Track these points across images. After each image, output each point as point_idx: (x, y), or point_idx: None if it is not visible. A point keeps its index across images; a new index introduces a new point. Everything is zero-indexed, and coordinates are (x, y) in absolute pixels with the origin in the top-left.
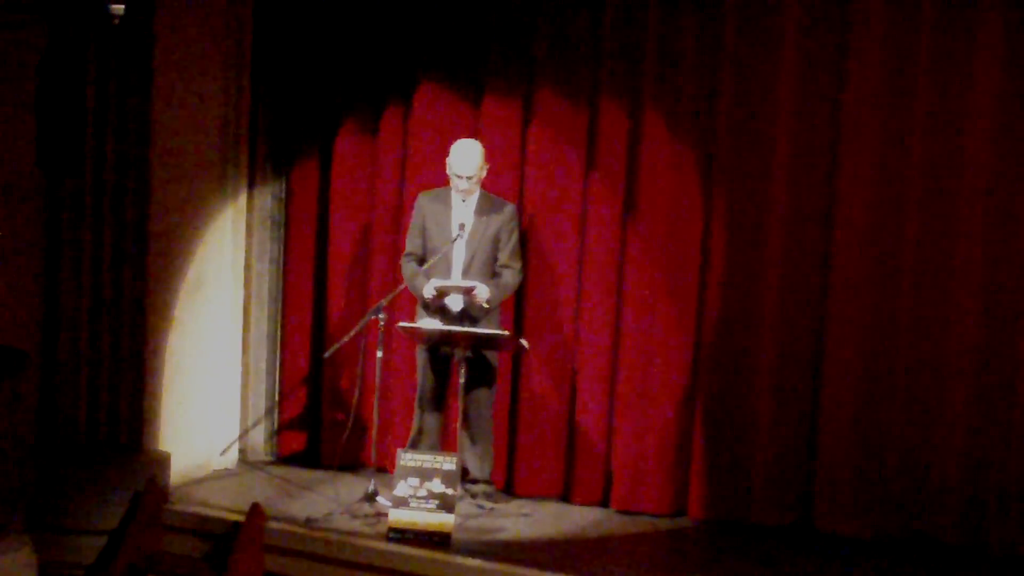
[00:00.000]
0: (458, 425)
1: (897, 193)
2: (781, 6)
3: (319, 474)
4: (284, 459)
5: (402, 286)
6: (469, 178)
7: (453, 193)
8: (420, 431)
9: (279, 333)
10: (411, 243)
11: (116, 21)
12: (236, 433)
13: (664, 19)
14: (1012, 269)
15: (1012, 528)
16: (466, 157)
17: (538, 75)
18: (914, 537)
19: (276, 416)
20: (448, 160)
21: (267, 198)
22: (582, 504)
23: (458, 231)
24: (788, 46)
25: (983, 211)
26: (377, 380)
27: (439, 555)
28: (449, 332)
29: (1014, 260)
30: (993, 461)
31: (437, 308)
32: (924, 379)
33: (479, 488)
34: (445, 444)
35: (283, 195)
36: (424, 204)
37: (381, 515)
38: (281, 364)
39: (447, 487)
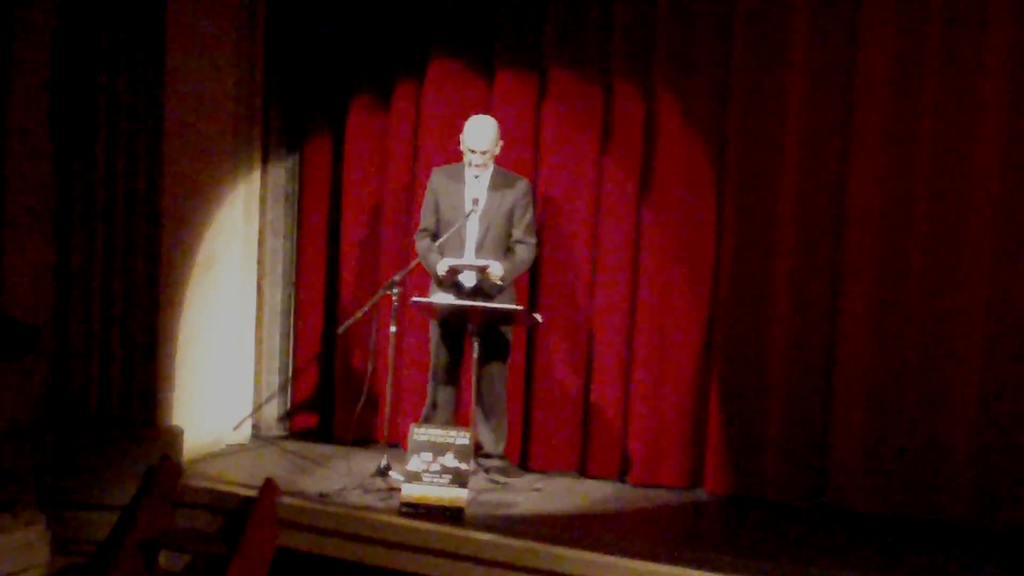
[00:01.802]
0: (472, 400)
1: (909, 167)
2: None
3: (332, 449)
4: (297, 434)
5: (415, 261)
6: (483, 153)
7: (466, 169)
8: (434, 406)
9: (293, 308)
10: (425, 219)
11: None
12: (249, 408)
13: None
14: (1020, 255)
15: (1022, 505)
16: (480, 132)
17: (551, 52)
18: (927, 514)
19: (289, 391)
20: (462, 135)
21: (281, 173)
22: (598, 478)
23: (471, 206)
24: (800, 26)
25: (991, 204)
26: (390, 355)
27: (452, 530)
28: (462, 307)
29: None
30: (1004, 439)
31: (451, 284)
32: (936, 357)
33: (492, 463)
34: (459, 419)
35: (296, 170)
36: (437, 180)
37: (394, 490)
38: (295, 339)
39: (460, 462)
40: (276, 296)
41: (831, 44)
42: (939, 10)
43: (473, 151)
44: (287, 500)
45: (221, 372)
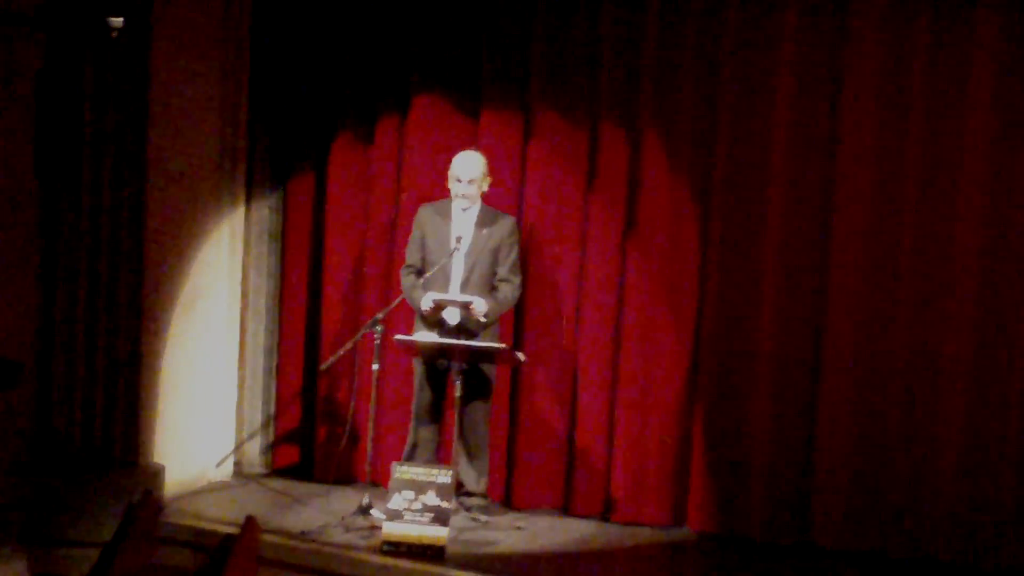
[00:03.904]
0: (454, 438)
1: (894, 204)
2: (779, 25)
3: (314, 487)
4: (279, 472)
5: (399, 299)
6: (470, 182)
7: (453, 206)
8: (416, 444)
9: (275, 346)
10: (410, 255)
11: (114, 34)
12: (231, 445)
13: (661, 36)
14: (1007, 283)
15: (1007, 545)
16: (467, 162)
17: (536, 90)
18: (911, 553)
19: (272, 429)
20: (450, 169)
21: (264, 211)
22: (581, 516)
23: (455, 244)
24: (785, 63)
25: (979, 221)
26: (373, 393)
27: (433, 568)
28: (446, 345)
29: (1009, 274)
30: (989, 478)
31: (434, 321)
32: (921, 394)
33: (474, 501)
34: (441, 457)
35: (280, 208)
36: (424, 216)
37: (375, 528)
38: (277, 377)
39: (442, 500)
40: (259, 333)
41: (816, 87)
42: (924, 48)
43: (459, 180)
44: (269, 538)
45: (203, 409)
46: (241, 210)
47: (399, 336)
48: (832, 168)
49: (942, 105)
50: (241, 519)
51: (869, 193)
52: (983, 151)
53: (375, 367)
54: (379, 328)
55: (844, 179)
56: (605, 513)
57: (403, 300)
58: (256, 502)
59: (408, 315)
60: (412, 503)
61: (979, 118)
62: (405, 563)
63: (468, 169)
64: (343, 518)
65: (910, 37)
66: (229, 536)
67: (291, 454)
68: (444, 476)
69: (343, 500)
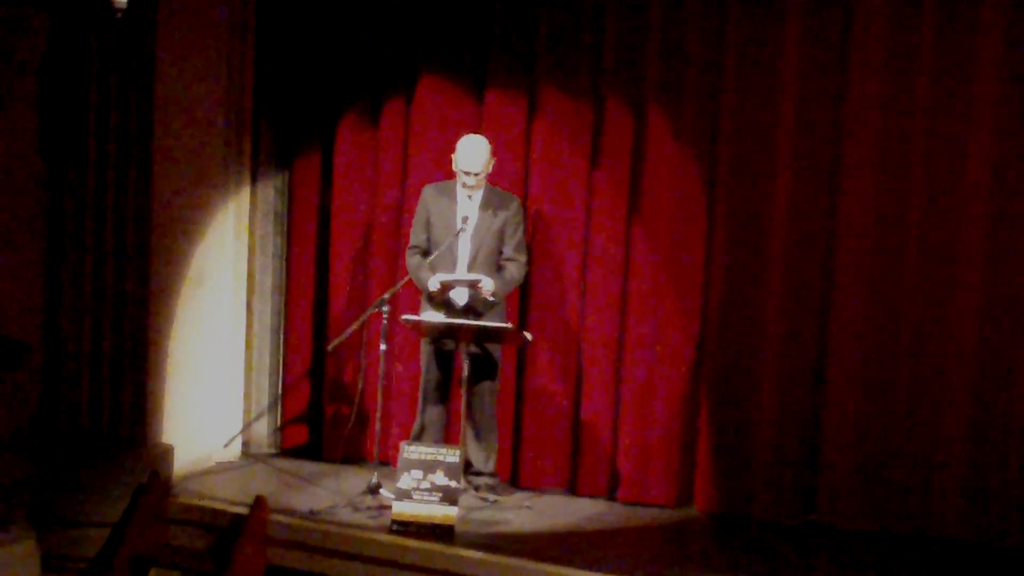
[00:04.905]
0: (462, 418)
1: (900, 189)
2: (786, 1)
3: (322, 467)
4: (287, 452)
5: (405, 279)
6: (476, 175)
7: (458, 187)
8: (424, 424)
9: (282, 326)
10: (416, 236)
11: (119, 14)
12: (239, 426)
13: (667, 14)
14: (1013, 268)
15: (1014, 524)
16: (473, 154)
17: (541, 70)
18: (917, 532)
19: (279, 409)
20: (454, 156)
21: (270, 191)
22: (588, 496)
23: (461, 224)
24: (791, 41)
25: (985, 211)
26: (380, 373)
27: (442, 548)
28: (453, 325)
29: (1015, 259)
30: (995, 455)
31: (441, 301)
32: (927, 373)
33: (483, 481)
34: (449, 437)
35: (286, 188)
36: (429, 197)
37: (384, 508)
38: (284, 357)
39: (450, 480)
40: (266, 314)
41: (823, 60)
42: (930, 34)
43: (467, 173)
44: (277, 518)
45: (211, 390)
46: (247, 190)
47: (406, 316)
48: (839, 146)
49: (948, 87)
50: (250, 499)
51: (877, 165)
52: (989, 137)
53: (382, 347)
54: (386, 308)
55: (851, 157)
56: (611, 493)
57: (409, 280)
58: (264, 482)
59: (415, 295)
60: (421, 483)
61: (986, 103)
62: (414, 543)
63: (474, 162)
64: (352, 498)
65: (918, 14)
66: (238, 516)
67: (299, 434)
68: (453, 456)
69: (352, 480)
